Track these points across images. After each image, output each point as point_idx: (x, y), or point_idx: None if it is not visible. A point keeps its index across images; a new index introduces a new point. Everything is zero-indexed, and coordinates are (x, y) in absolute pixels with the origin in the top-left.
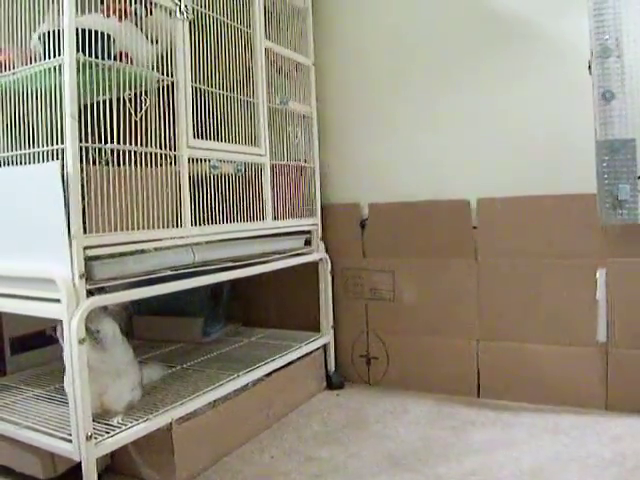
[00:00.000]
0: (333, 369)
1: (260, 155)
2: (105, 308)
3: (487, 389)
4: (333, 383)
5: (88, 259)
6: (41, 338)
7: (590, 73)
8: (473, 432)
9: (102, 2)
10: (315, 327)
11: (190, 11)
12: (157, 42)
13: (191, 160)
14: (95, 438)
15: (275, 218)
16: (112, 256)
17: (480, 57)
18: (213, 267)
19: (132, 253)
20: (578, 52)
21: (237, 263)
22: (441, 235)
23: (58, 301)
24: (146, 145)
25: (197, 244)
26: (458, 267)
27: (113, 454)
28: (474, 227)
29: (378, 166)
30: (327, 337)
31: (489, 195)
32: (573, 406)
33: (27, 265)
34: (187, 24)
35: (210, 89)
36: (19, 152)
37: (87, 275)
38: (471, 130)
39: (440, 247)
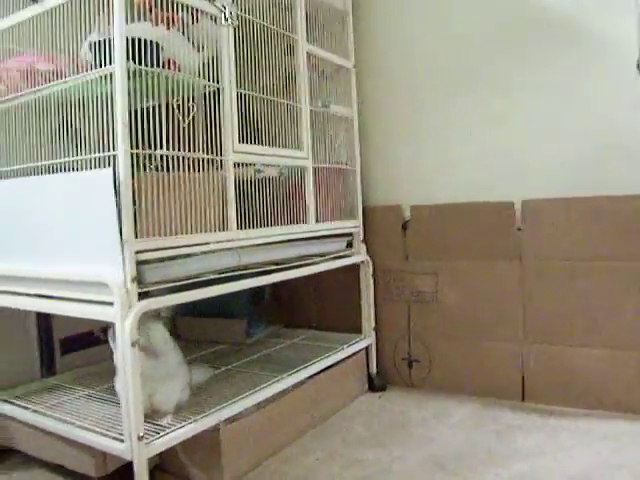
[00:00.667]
0: (375, 371)
1: (303, 158)
2: (154, 313)
3: (532, 393)
4: (375, 385)
5: (139, 263)
6: (89, 339)
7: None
8: (519, 437)
9: (150, 11)
10: (356, 329)
11: (235, 18)
12: (203, 49)
13: (236, 164)
14: (146, 438)
15: (317, 221)
16: (160, 260)
17: (528, 58)
18: (258, 270)
19: (179, 257)
20: (627, 51)
21: (280, 266)
22: (485, 237)
23: (111, 304)
24: (193, 150)
25: (242, 247)
26: (502, 269)
27: (162, 453)
28: (518, 229)
29: (420, 167)
30: (369, 339)
31: (534, 197)
32: (623, 412)
33: (79, 269)
34: (232, 30)
35: (254, 94)
36: (71, 159)
37: (138, 279)
38: (516, 131)
39: (484, 249)
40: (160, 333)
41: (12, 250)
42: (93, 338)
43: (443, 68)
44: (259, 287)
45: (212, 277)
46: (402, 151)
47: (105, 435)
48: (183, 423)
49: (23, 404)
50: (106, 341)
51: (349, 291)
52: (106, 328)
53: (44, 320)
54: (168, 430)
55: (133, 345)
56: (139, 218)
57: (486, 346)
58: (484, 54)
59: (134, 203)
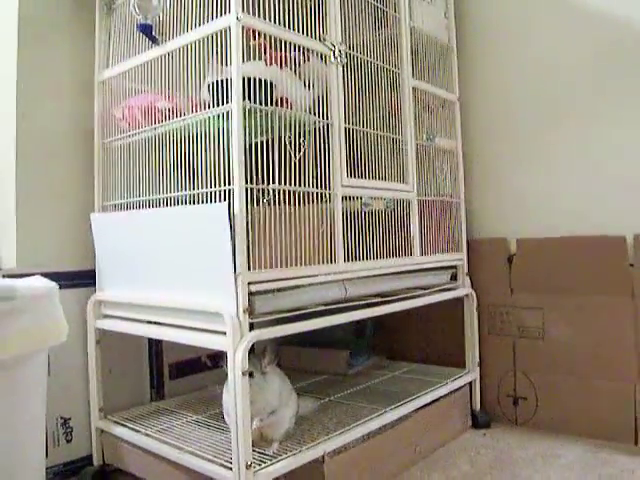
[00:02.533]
0: (478, 407)
1: (408, 192)
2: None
3: None
4: (479, 422)
5: (250, 294)
6: (196, 365)
7: None
8: None
9: (265, 52)
10: (459, 363)
11: (343, 56)
12: (313, 86)
13: (344, 198)
14: (253, 467)
15: (422, 253)
16: (270, 291)
17: (630, 87)
18: (363, 302)
19: (288, 288)
20: None
21: (385, 298)
22: (594, 272)
23: (223, 333)
24: (303, 184)
25: (348, 279)
26: (614, 306)
27: None
28: (631, 264)
29: (525, 200)
30: (473, 374)
31: None
32: None
33: (193, 298)
34: (340, 68)
35: (361, 129)
36: (188, 192)
37: (249, 309)
38: (627, 162)
39: (594, 284)
40: (271, 363)
41: (130, 278)
42: (200, 364)
43: (544, 99)
44: (363, 319)
45: (319, 309)
46: (506, 183)
47: (213, 462)
48: (289, 453)
49: (134, 427)
50: (211, 367)
51: (453, 325)
52: (216, 355)
53: (155, 346)
54: (274, 460)
55: (244, 374)
56: (252, 250)
57: (596, 385)
58: (583, 84)
59: (247, 236)
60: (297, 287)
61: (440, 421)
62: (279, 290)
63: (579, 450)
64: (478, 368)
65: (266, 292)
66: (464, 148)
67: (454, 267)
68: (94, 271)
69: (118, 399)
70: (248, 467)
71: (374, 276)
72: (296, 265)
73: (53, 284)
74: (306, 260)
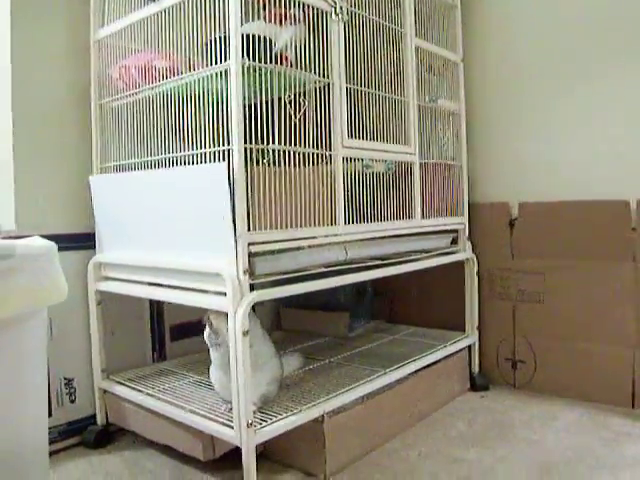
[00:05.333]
0: (477, 370)
1: (410, 154)
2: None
3: None
4: (477, 385)
5: (250, 255)
6: (197, 327)
7: None
8: (628, 444)
9: (264, 8)
10: (458, 327)
11: (345, 13)
12: (312, 44)
13: (345, 159)
14: (254, 426)
15: (423, 216)
16: (270, 253)
17: (635, 52)
18: (363, 265)
19: (288, 250)
20: None
21: (385, 261)
22: (597, 236)
23: (223, 294)
24: (304, 145)
25: (349, 242)
26: (614, 270)
27: (266, 442)
28: (633, 229)
29: (528, 164)
30: (472, 338)
31: None
32: None
33: (193, 259)
34: (342, 25)
35: (362, 89)
36: (186, 153)
37: (250, 270)
38: (629, 127)
39: (595, 249)
40: (252, 324)
41: (130, 240)
42: (200, 326)
43: (551, 62)
44: (362, 282)
45: (319, 271)
46: (510, 147)
47: (215, 421)
48: (289, 413)
49: (137, 387)
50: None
51: (453, 288)
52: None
53: (156, 308)
54: (275, 419)
55: (244, 334)
56: (252, 211)
57: (595, 350)
58: (591, 50)
59: (247, 197)
60: (297, 249)
61: (439, 383)
62: (279, 251)
63: (576, 413)
64: (477, 332)
65: (266, 253)
66: (467, 111)
67: (455, 231)
68: (94, 234)
69: (120, 360)
70: (249, 426)
71: (375, 239)
72: (296, 227)
73: (52, 243)
74: (307, 222)
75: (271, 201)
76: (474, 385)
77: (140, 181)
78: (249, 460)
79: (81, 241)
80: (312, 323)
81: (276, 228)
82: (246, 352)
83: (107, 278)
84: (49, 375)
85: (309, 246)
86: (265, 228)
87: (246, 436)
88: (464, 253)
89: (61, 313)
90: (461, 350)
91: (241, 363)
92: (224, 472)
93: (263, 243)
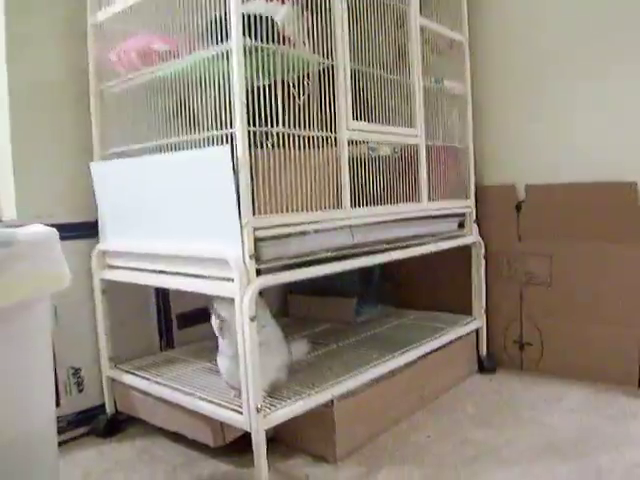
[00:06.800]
0: (485, 353)
1: (415, 136)
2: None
3: None
4: (485, 367)
5: (256, 240)
6: (204, 314)
7: None
8: (634, 423)
9: None
10: (466, 310)
11: None
12: (316, 25)
13: (350, 142)
14: (264, 411)
15: (430, 200)
16: (276, 237)
17: None
18: (371, 249)
19: (294, 235)
20: None
21: (392, 245)
22: (604, 218)
23: (230, 280)
24: (307, 128)
25: (355, 226)
26: (622, 253)
27: (276, 426)
28: None
29: (535, 146)
30: (480, 321)
31: None
32: None
33: (198, 245)
34: (345, 4)
35: (367, 70)
36: (188, 137)
37: (256, 255)
38: (636, 109)
39: (602, 231)
40: (260, 310)
41: (133, 227)
42: (207, 314)
43: (563, 42)
44: (370, 267)
45: (326, 255)
46: (517, 129)
47: (225, 407)
48: (298, 397)
49: (145, 375)
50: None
51: (460, 272)
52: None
53: (162, 296)
54: (284, 404)
55: (252, 320)
56: (257, 195)
57: (601, 331)
58: (601, 31)
59: (252, 180)
60: (304, 233)
61: (446, 366)
62: (286, 236)
63: (583, 394)
64: (485, 315)
65: (273, 238)
66: (473, 93)
67: (462, 215)
68: (96, 222)
69: (127, 349)
70: (258, 410)
71: (381, 222)
72: (303, 210)
73: (52, 229)
74: (313, 205)
75: (276, 185)
76: (482, 368)
77: (142, 167)
78: (259, 445)
79: (84, 230)
80: (319, 309)
81: (282, 212)
82: (254, 338)
83: (111, 266)
84: (56, 365)
85: (315, 230)
86: (271, 212)
87: (256, 421)
88: (471, 237)
89: (67, 303)
90: (469, 333)
91: (249, 349)
92: (234, 457)
93: (269, 228)
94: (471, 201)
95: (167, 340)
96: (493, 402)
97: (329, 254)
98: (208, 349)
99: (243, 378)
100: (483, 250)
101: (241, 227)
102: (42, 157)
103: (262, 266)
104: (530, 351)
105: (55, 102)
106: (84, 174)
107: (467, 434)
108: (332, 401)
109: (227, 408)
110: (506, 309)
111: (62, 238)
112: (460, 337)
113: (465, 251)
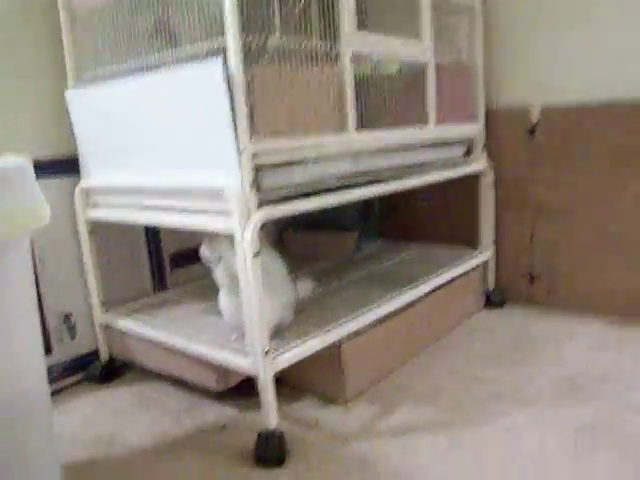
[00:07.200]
0: (492, 287)
1: (422, 53)
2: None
3: None
4: (493, 302)
5: (256, 168)
6: (196, 254)
7: None
8: None
9: None
10: (473, 242)
11: None
12: None
13: (353, 59)
14: (271, 353)
15: (437, 122)
16: (277, 166)
17: None
18: (376, 177)
19: (296, 162)
20: None
21: (397, 173)
22: (625, 145)
23: (228, 213)
24: (308, 39)
25: (359, 153)
26: None
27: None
28: None
29: (553, 66)
30: (487, 253)
31: None
32: None
33: (192, 177)
34: None
35: None
36: (173, 55)
37: (256, 185)
38: None
39: (622, 159)
40: (262, 246)
41: (118, 161)
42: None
43: None
44: (369, 199)
45: (329, 186)
46: (530, 46)
47: (228, 350)
48: (304, 339)
49: (140, 319)
50: None
51: (466, 201)
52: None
53: (153, 235)
54: (291, 346)
55: (255, 256)
56: (255, 118)
57: (616, 262)
58: None
59: (248, 99)
60: (306, 160)
61: (454, 302)
62: (288, 164)
63: (596, 328)
64: (493, 246)
65: (273, 166)
66: (485, 6)
67: (470, 140)
68: (77, 158)
69: (119, 292)
70: (267, 354)
71: (386, 151)
72: (304, 135)
73: (24, 160)
74: (315, 128)
75: (275, 105)
76: (489, 302)
77: (123, 91)
78: (267, 391)
79: (65, 167)
80: (318, 245)
81: (282, 136)
82: (258, 275)
83: (97, 205)
84: (46, 311)
85: (316, 158)
86: (270, 136)
87: (263, 366)
88: (479, 163)
89: (52, 246)
90: (476, 267)
91: (253, 288)
92: (239, 401)
93: (269, 154)
94: (480, 125)
95: (160, 281)
96: (504, 338)
97: (334, 183)
98: (204, 289)
99: (247, 320)
100: (492, 178)
101: (239, 153)
102: (11, 90)
103: (263, 197)
104: (540, 284)
105: (21, 29)
106: (61, 105)
107: (479, 372)
108: (340, 341)
109: (231, 351)
110: (515, 240)
111: (42, 176)
112: (467, 271)
113: (471, 180)
